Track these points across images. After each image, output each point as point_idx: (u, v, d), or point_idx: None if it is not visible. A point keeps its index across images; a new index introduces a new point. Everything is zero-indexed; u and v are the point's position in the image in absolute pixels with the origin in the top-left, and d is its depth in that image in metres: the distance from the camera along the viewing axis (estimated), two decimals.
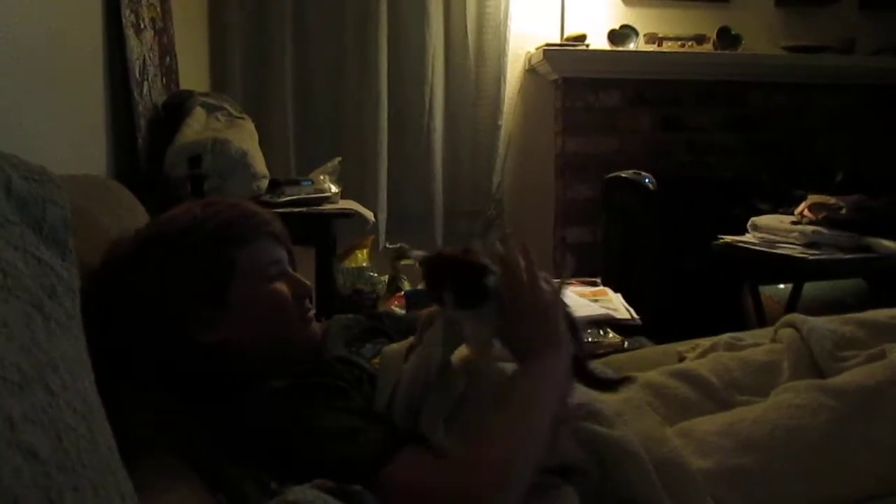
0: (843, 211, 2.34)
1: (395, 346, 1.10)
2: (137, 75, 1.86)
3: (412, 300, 2.04)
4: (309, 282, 1.09)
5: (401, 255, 2.61)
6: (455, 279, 0.96)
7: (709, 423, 1.06)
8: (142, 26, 1.93)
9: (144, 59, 1.93)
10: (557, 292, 1.02)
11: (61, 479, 0.42)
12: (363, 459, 0.86)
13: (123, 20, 1.78)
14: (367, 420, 0.93)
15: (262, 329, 1.01)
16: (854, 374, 1.07)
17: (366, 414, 0.96)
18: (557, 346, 0.98)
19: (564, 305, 1.03)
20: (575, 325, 1.05)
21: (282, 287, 1.04)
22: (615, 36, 3.42)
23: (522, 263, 0.99)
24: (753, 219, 2.62)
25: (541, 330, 0.98)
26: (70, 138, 1.54)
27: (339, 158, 2.42)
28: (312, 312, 1.09)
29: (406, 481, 0.84)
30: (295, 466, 0.85)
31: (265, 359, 1.01)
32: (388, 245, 3.02)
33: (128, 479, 0.53)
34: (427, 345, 1.02)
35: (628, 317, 2.10)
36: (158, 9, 2.13)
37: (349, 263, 2.61)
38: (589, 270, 2.82)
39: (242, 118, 2.19)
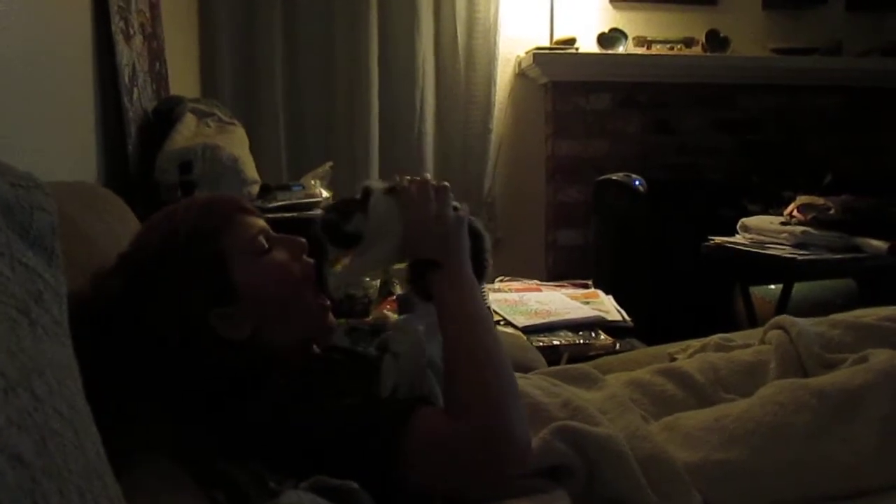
0: (832, 211, 2.35)
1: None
2: (127, 82, 1.86)
3: (404, 304, 2.05)
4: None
5: None
6: (327, 226, 1.06)
7: (694, 419, 1.07)
8: (131, 33, 1.93)
9: (134, 66, 1.93)
10: (460, 209, 1.07)
11: (46, 484, 0.42)
12: (383, 425, 0.87)
13: (113, 27, 1.78)
14: (376, 396, 0.97)
15: (276, 300, 1.01)
16: (836, 376, 1.08)
17: (373, 393, 0.99)
18: (461, 257, 1.03)
19: (469, 220, 1.08)
20: (477, 231, 1.11)
21: (278, 254, 1.04)
22: (604, 39, 3.43)
23: (415, 188, 1.06)
24: (743, 220, 2.63)
25: (445, 244, 1.03)
26: (60, 145, 1.54)
27: (331, 163, 2.42)
28: (313, 269, 1.09)
29: (430, 435, 0.86)
30: (314, 452, 0.86)
31: (291, 339, 1.02)
32: None
33: (116, 483, 0.54)
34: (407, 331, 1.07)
35: (620, 319, 2.11)
36: (148, 15, 2.13)
37: (340, 268, 2.61)
38: (580, 273, 2.84)
39: (233, 124, 2.20)
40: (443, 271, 1.01)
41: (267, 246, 1.03)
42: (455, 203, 1.08)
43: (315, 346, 1.11)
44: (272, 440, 0.90)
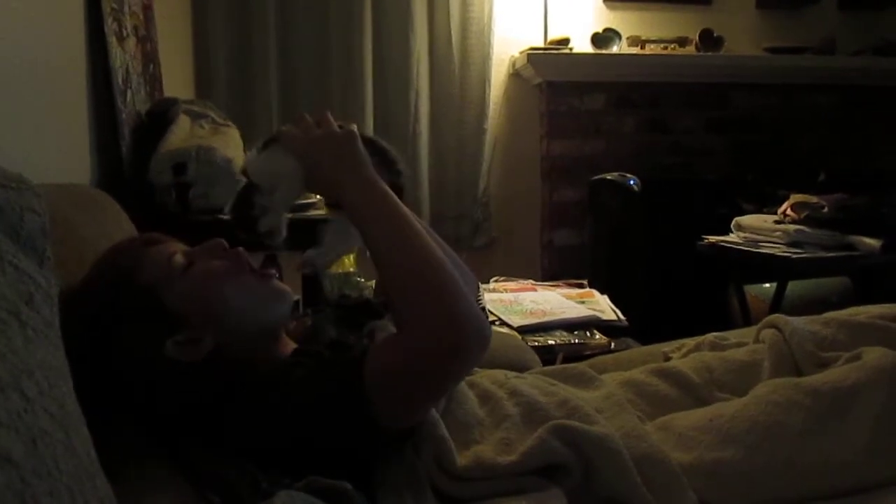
0: (825, 210, 2.36)
1: None
2: (120, 83, 1.86)
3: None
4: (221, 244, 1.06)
5: None
6: (240, 224, 1.07)
7: (688, 418, 1.07)
8: (124, 34, 1.93)
9: (127, 68, 1.93)
10: (345, 127, 1.07)
11: (36, 484, 0.42)
12: (348, 369, 0.90)
13: (106, 28, 1.77)
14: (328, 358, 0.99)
15: (219, 301, 1.00)
16: (829, 375, 1.09)
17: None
18: (361, 166, 1.02)
19: (365, 137, 1.08)
20: (382, 147, 1.12)
21: (200, 263, 1.01)
22: (598, 39, 3.44)
23: (293, 124, 1.07)
24: (737, 219, 2.64)
25: (341, 160, 1.02)
26: (53, 147, 1.54)
27: None
28: (264, 267, 1.08)
29: (386, 357, 0.89)
30: (295, 438, 0.87)
31: (255, 329, 1.01)
32: None
33: (107, 485, 0.54)
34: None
35: (615, 318, 2.11)
36: (141, 17, 2.13)
37: (336, 269, 2.61)
38: (576, 272, 2.84)
39: (227, 125, 2.19)
40: (346, 181, 1.00)
41: (185, 261, 1.01)
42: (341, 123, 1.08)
43: (287, 337, 1.11)
44: (255, 440, 0.90)
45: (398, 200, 1.02)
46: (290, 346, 1.10)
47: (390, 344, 0.93)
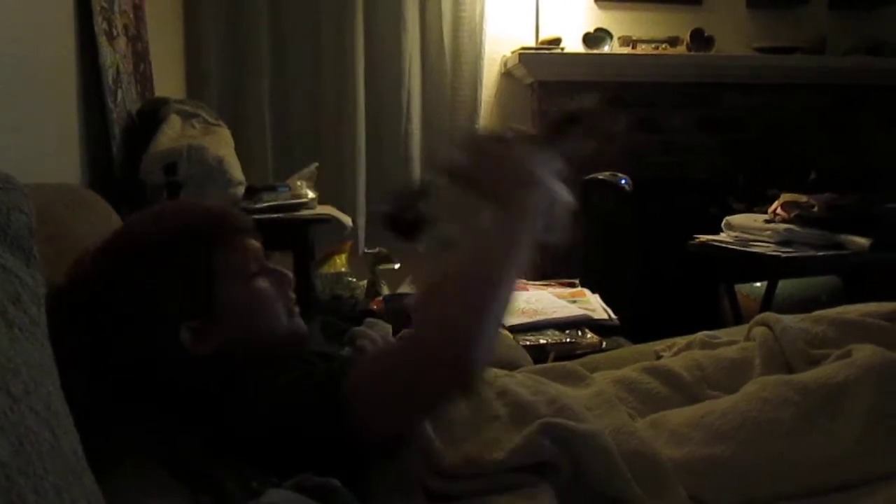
0: (815, 209, 2.37)
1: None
2: (111, 83, 1.85)
3: (391, 304, 2.05)
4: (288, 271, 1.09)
5: (379, 259, 2.61)
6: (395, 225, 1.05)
7: (679, 415, 1.08)
8: (115, 34, 1.92)
9: (118, 67, 1.92)
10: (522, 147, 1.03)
11: (22, 483, 0.42)
12: (325, 382, 0.88)
13: (96, 28, 1.77)
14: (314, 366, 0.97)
15: (252, 327, 1.00)
16: (819, 372, 1.09)
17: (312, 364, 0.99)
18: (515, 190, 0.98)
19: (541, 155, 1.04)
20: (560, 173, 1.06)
21: (263, 282, 1.03)
22: (590, 39, 3.44)
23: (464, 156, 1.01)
24: (728, 218, 2.65)
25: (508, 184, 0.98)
26: (43, 147, 1.53)
27: (316, 164, 2.42)
28: (295, 303, 1.09)
29: (366, 377, 0.87)
30: (277, 441, 0.87)
31: (256, 356, 1.00)
32: (366, 250, 3.03)
33: (94, 483, 0.54)
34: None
35: (606, 317, 2.12)
36: (132, 16, 2.13)
37: (327, 269, 2.61)
38: (567, 272, 2.84)
39: (218, 125, 2.19)
40: (500, 215, 0.97)
41: (256, 270, 1.03)
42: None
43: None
44: (243, 439, 0.90)
45: (522, 252, 0.98)
46: None
47: (388, 351, 0.93)
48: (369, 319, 1.19)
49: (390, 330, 1.11)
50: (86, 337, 0.92)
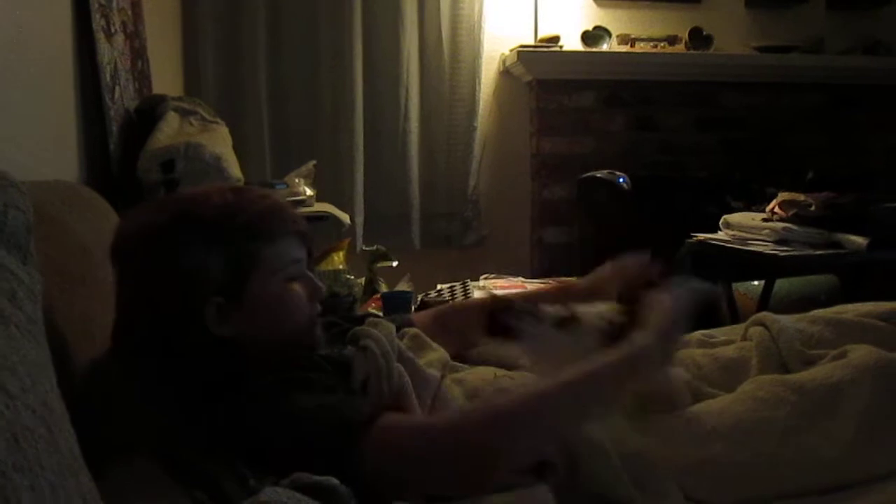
0: (813, 208, 2.36)
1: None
2: (108, 80, 1.85)
3: (389, 302, 2.05)
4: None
5: (377, 257, 2.61)
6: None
7: (676, 415, 1.08)
8: (112, 30, 1.92)
9: (116, 64, 1.92)
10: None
11: (17, 479, 0.42)
12: (344, 426, 0.88)
13: (93, 24, 1.77)
14: (346, 395, 0.97)
15: (273, 326, 1.02)
16: (815, 372, 1.10)
17: (346, 392, 0.99)
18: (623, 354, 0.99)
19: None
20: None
21: (298, 287, 1.05)
22: (588, 37, 3.45)
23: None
24: (725, 216, 2.64)
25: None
26: (40, 144, 1.53)
27: (314, 162, 2.42)
28: (319, 315, 1.10)
29: (387, 441, 0.87)
30: (281, 454, 0.86)
31: (267, 354, 1.01)
32: (364, 248, 3.02)
33: (91, 481, 0.54)
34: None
35: None
36: (129, 13, 2.12)
37: (325, 266, 2.61)
38: (566, 270, 2.85)
39: (216, 122, 2.19)
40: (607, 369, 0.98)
41: (293, 276, 1.05)
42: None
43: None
44: (245, 440, 0.91)
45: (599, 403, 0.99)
46: None
47: (404, 423, 0.91)
48: (372, 318, 1.19)
49: (394, 329, 1.12)
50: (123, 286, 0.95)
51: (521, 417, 0.90)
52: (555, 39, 3.37)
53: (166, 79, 2.60)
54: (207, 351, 0.97)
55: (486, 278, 2.65)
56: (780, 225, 2.38)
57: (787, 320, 1.31)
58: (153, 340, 0.96)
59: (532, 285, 2.52)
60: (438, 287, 2.33)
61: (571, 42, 3.43)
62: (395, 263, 2.45)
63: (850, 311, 1.35)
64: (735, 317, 2.79)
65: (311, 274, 1.09)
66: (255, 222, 1.01)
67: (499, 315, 1.14)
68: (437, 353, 1.19)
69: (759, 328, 1.32)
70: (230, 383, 0.96)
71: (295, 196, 2.19)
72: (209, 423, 0.93)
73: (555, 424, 0.93)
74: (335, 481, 0.81)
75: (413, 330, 1.23)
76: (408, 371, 1.04)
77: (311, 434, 0.88)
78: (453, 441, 0.89)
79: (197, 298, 0.97)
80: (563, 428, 0.94)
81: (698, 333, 1.46)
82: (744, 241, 2.47)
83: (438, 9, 3.28)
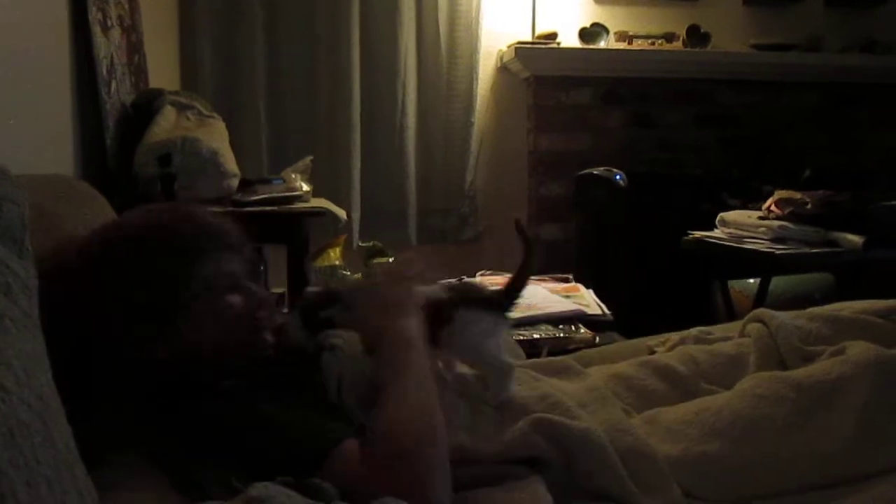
0: (809, 206, 2.36)
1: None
2: (105, 74, 1.84)
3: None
4: (267, 290, 1.09)
5: (374, 253, 2.61)
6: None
7: (674, 412, 1.08)
8: (109, 24, 1.91)
9: (112, 58, 1.91)
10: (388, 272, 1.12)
11: (13, 474, 0.42)
12: (306, 456, 0.87)
13: (90, 18, 1.76)
14: (314, 413, 0.95)
15: (214, 341, 1.00)
16: (813, 369, 1.10)
17: (314, 405, 0.97)
18: (389, 319, 1.03)
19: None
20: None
21: (234, 300, 1.02)
22: (586, 34, 3.44)
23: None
24: (721, 214, 2.65)
25: (375, 313, 1.04)
26: (36, 138, 1.52)
27: (311, 157, 2.41)
28: (268, 321, 1.08)
29: (344, 474, 0.86)
30: (250, 464, 0.85)
31: (216, 366, 1.00)
32: (361, 243, 3.02)
33: (87, 476, 0.53)
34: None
35: (600, 312, 2.11)
36: (126, 6, 2.11)
37: (321, 262, 2.60)
38: (562, 267, 2.84)
39: (213, 117, 2.18)
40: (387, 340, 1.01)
41: (227, 289, 1.02)
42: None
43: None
44: (217, 449, 0.90)
45: (414, 365, 0.99)
46: None
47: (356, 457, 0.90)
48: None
49: None
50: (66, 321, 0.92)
51: (419, 432, 0.90)
52: (552, 36, 3.37)
53: (163, 73, 2.60)
54: (151, 372, 0.95)
55: (482, 274, 2.65)
56: (777, 223, 2.38)
57: (785, 317, 1.31)
58: (102, 370, 0.94)
59: (528, 282, 2.52)
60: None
61: (569, 39, 3.43)
62: (391, 259, 2.44)
63: (847, 308, 1.35)
64: (731, 314, 2.80)
65: (249, 284, 1.06)
66: (176, 243, 0.99)
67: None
68: None
69: (758, 325, 1.33)
70: (184, 393, 0.95)
71: (291, 191, 2.18)
72: (179, 428, 0.93)
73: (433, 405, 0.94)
74: (318, 480, 0.82)
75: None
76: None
77: (276, 455, 0.88)
78: (391, 470, 0.87)
79: (121, 329, 0.94)
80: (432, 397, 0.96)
81: (695, 330, 1.46)
82: (740, 238, 2.48)
83: (436, 4, 3.28)
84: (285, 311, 1.32)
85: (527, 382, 1.13)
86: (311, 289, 1.19)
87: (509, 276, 1.27)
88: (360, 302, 1.07)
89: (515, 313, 2.03)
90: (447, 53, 3.32)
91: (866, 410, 1.01)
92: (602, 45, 3.45)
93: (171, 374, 0.97)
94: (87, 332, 0.93)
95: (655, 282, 3.00)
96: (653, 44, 3.50)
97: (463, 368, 1.17)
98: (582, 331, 1.95)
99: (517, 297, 1.21)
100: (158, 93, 2.11)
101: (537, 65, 3.38)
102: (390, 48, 3.22)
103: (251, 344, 1.05)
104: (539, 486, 0.92)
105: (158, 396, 0.95)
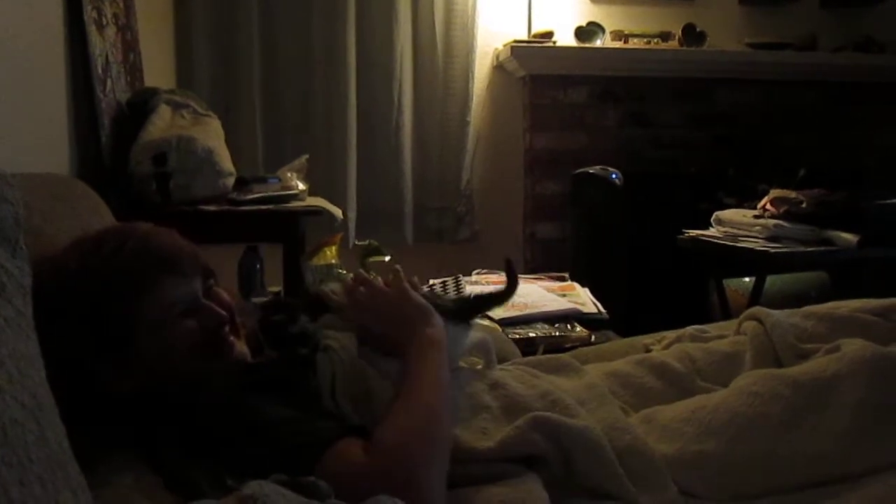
0: (804, 205, 2.38)
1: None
2: (100, 72, 1.84)
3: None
4: (227, 302, 1.06)
5: (370, 252, 2.61)
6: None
7: (671, 410, 1.08)
8: (104, 23, 1.91)
9: (107, 56, 1.91)
10: (399, 288, 1.13)
11: (6, 473, 0.42)
12: (299, 455, 0.87)
13: (85, 16, 1.76)
14: (306, 413, 0.94)
15: (178, 368, 0.98)
16: (808, 367, 1.10)
17: (307, 406, 0.96)
18: (417, 327, 1.07)
19: (414, 291, 1.15)
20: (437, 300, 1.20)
21: (190, 324, 1.00)
22: (582, 33, 3.44)
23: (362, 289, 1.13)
24: (717, 213, 2.66)
25: (397, 324, 1.08)
26: (31, 137, 1.52)
27: (307, 156, 2.41)
28: (235, 333, 1.06)
29: (337, 473, 0.85)
30: (244, 463, 0.85)
31: (192, 386, 0.98)
32: (357, 242, 3.02)
33: (80, 474, 0.53)
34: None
35: (595, 311, 2.12)
36: (121, 5, 2.11)
37: (318, 261, 2.60)
38: (557, 266, 2.85)
39: (208, 116, 2.18)
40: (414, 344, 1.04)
41: (180, 316, 1.00)
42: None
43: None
44: (210, 445, 0.90)
45: (433, 368, 1.02)
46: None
47: (355, 453, 0.90)
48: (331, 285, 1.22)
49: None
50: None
51: (422, 439, 0.91)
52: (548, 35, 3.37)
53: (158, 71, 2.59)
54: (120, 405, 0.94)
55: (478, 273, 2.65)
56: (772, 222, 2.39)
57: (780, 315, 1.31)
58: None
59: (524, 281, 2.52)
60: (430, 282, 2.33)
61: (565, 38, 3.43)
62: (387, 258, 2.44)
63: (842, 307, 1.35)
64: (726, 313, 2.80)
65: (203, 301, 1.03)
66: (116, 282, 0.95)
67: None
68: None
69: (754, 323, 1.33)
70: (161, 422, 0.94)
71: (287, 190, 2.18)
72: (173, 429, 0.93)
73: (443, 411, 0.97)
74: (313, 478, 0.81)
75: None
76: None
77: (269, 455, 0.87)
78: (390, 475, 0.86)
79: (84, 366, 0.93)
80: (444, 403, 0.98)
81: (691, 328, 1.46)
82: (735, 237, 2.49)
83: (432, 3, 3.27)
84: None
85: (526, 380, 1.13)
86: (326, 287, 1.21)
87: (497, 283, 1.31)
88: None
89: (511, 312, 2.04)
90: (443, 52, 3.32)
91: (861, 408, 1.01)
92: (598, 44, 3.45)
93: (145, 401, 0.95)
94: (52, 373, 0.91)
95: (651, 280, 3.01)
96: (649, 43, 3.51)
97: None
98: (578, 329, 1.95)
99: (480, 313, 1.27)
100: (154, 91, 2.10)
101: (533, 64, 3.38)
102: (386, 47, 3.22)
103: (221, 360, 1.03)
104: (535, 485, 0.92)
105: (138, 421, 0.94)
